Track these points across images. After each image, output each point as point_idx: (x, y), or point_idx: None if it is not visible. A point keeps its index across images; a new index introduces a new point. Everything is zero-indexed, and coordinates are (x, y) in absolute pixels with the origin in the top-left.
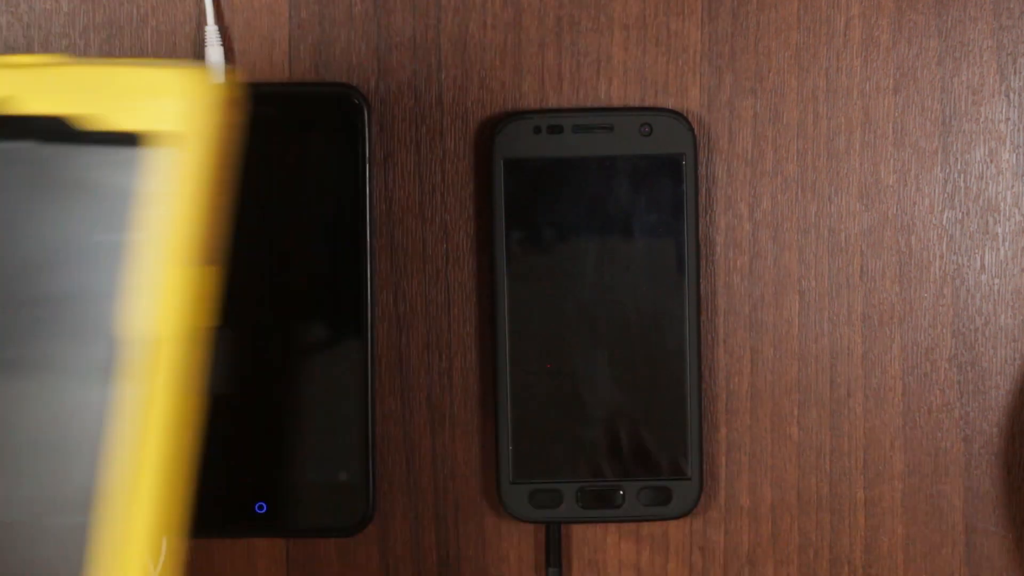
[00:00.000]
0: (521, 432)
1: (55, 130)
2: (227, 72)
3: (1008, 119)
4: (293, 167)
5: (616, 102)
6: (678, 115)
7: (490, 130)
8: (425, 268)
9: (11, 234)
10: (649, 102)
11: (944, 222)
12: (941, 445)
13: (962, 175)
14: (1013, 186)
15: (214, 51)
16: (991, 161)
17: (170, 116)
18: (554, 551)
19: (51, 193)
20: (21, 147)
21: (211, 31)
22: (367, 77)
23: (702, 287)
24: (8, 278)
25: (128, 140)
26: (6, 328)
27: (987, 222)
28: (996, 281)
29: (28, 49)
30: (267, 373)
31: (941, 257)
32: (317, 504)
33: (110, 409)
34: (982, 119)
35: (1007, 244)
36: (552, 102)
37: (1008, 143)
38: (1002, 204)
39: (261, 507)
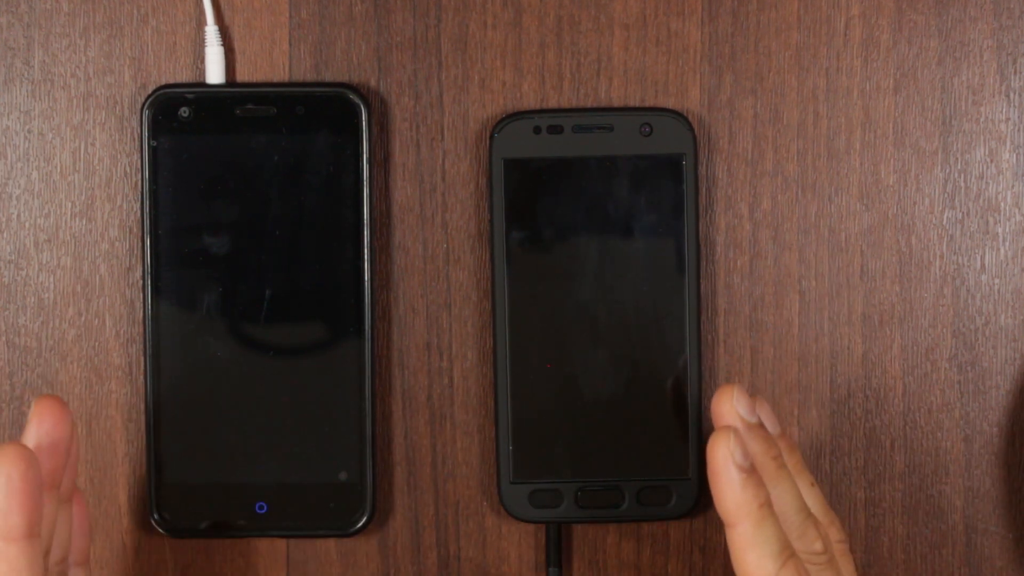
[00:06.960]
0: (521, 432)
1: None
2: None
3: (1008, 119)
4: (293, 167)
5: (616, 102)
6: (678, 115)
7: (490, 130)
8: (425, 268)
9: None
10: (649, 102)
11: (944, 222)
12: (941, 445)
13: (962, 175)
14: (1013, 186)
15: (214, 51)
16: (991, 161)
17: None
18: (554, 551)
19: None
20: None
21: (211, 31)
22: (367, 77)
23: (702, 287)
24: None
25: None
26: None
27: (987, 222)
28: (996, 281)
29: (28, 49)
30: (267, 373)
31: (941, 257)
32: (317, 504)
33: None
34: (982, 119)
35: (1007, 244)
36: (552, 102)
37: (1008, 143)
38: (1002, 204)
39: (261, 507)
